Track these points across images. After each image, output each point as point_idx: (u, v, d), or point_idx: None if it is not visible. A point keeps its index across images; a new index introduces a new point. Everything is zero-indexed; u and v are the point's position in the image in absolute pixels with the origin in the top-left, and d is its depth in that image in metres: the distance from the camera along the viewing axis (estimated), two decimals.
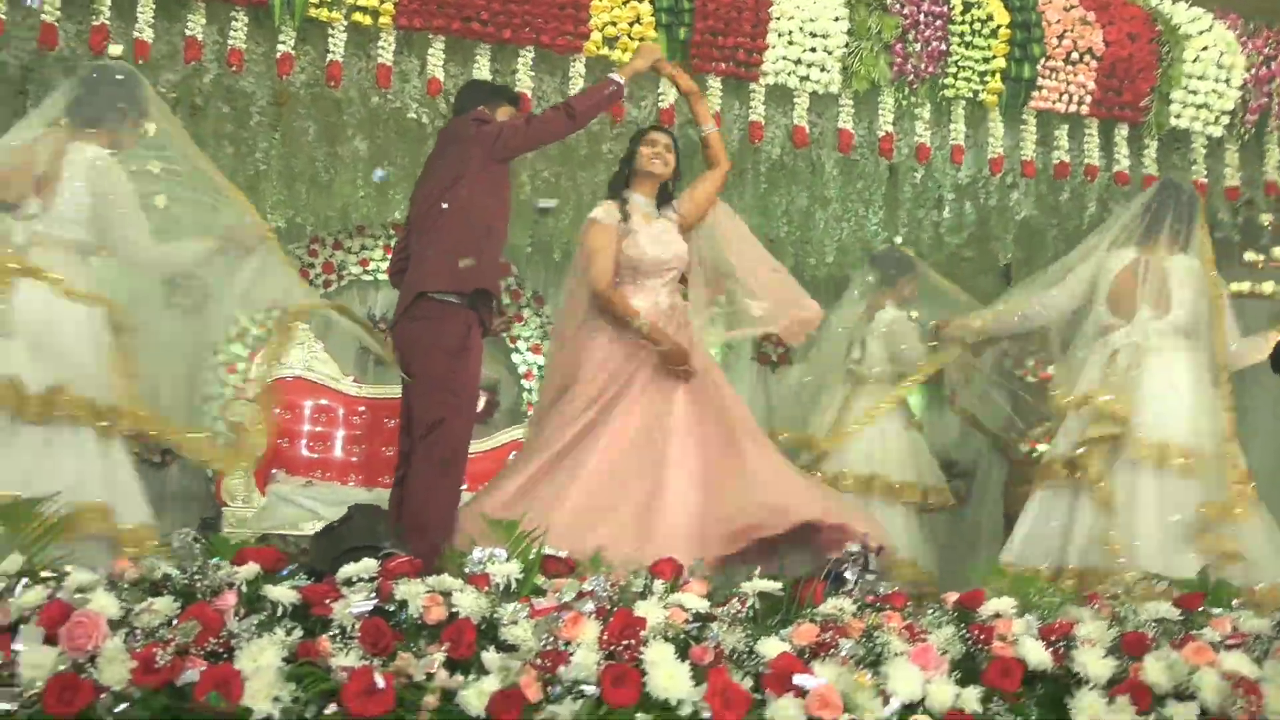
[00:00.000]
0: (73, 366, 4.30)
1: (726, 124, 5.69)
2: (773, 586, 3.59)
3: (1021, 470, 6.38)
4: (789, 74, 5.65)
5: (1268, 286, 5.54)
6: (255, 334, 7.57)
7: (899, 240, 7.08)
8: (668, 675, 3.04)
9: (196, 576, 3.20)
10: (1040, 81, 5.88)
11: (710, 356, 5.21)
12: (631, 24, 5.42)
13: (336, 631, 3.09)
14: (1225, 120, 6.07)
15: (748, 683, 3.13)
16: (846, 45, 5.66)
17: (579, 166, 6.61)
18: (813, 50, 5.63)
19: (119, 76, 4.63)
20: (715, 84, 5.61)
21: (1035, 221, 6.85)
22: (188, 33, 5.11)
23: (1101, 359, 5.35)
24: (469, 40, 5.36)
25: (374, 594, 3.24)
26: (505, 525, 3.70)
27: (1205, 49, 6.00)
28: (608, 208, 5.01)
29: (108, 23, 5.01)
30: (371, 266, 8.20)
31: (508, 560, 3.49)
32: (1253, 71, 6.05)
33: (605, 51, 5.42)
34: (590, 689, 3.00)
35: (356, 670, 2.92)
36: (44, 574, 3.21)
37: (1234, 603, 4.04)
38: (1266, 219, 5.78)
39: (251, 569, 3.26)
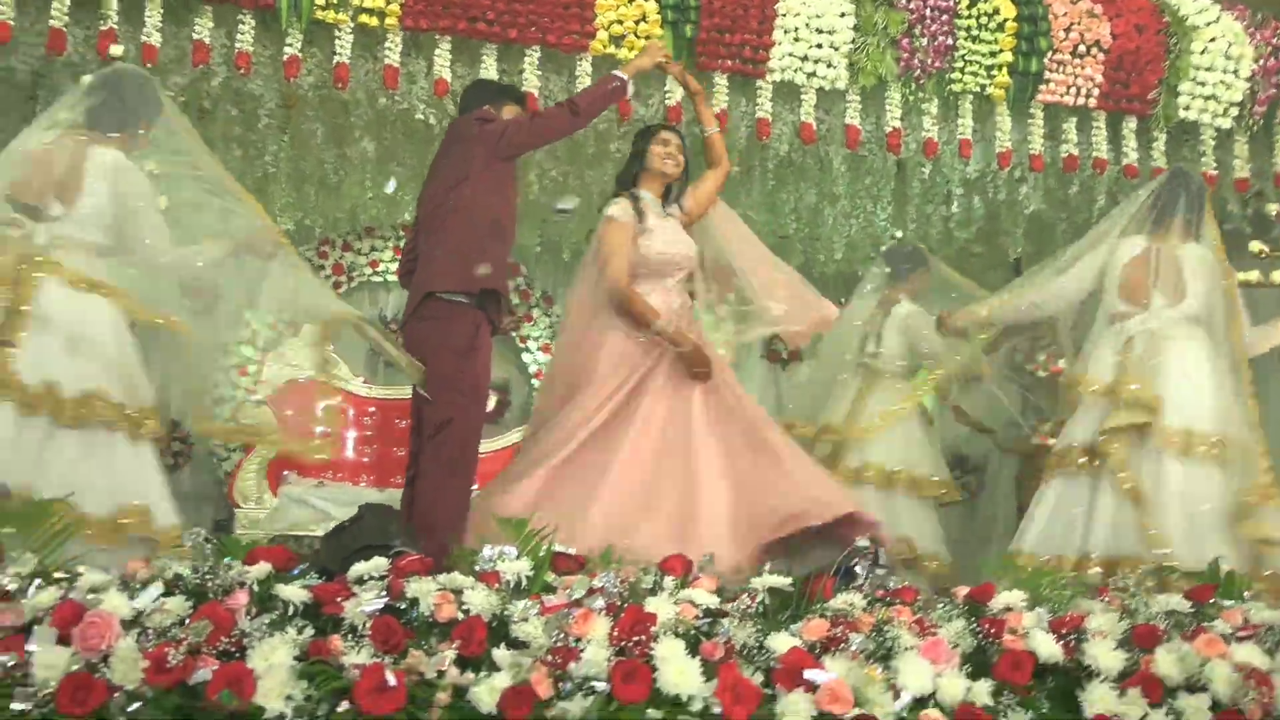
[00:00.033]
0: (105, 368, 4.33)
1: (733, 121, 5.69)
2: (783, 582, 3.59)
3: (1032, 464, 6.37)
4: (796, 70, 5.65)
5: (1278, 276, 5.52)
6: (266, 336, 7.59)
7: (899, 235, 7.08)
8: (678, 671, 3.05)
9: (208, 576, 3.21)
10: (1048, 75, 5.87)
11: (719, 355, 5.19)
12: (637, 22, 5.43)
13: (348, 630, 3.11)
14: (1234, 112, 6.06)
15: (758, 678, 3.14)
16: (853, 41, 5.66)
17: (586, 165, 6.61)
18: (819, 46, 5.64)
19: (135, 80, 4.65)
20: (722, 81, 5.62)
21: (1044, 215, 6.83)
22: (195, 36, 5.13)
23: (1116, 346, 5.30)
24: (475, 40, 5.37)
25: (385, 592, 3.25)
26: (515, 523, 3.71)
27: (1213, 40, 5.98)
28: (623, 206, 4.93)
29: (115, 27, 5.03)
30: (381, 268, 8.21)
31: (518, 558, 3.49)
32: (1261, 63, 6.04)
33: (611, 50, 5.42)
34: (601, 685, 3.01)
35: (368, 668, 2.93)
36: (57, 575, 3.23)
37: (1245, 594, 4.03)
38: (1274, 209, 5.75)
39: (263, 568, 3.28)
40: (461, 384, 4.61)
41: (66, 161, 4.41)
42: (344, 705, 2.88)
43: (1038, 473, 5.67)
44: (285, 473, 7.09)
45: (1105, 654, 3.42)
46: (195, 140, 4.81)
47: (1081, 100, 5.93)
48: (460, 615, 3.18)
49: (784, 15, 5.59)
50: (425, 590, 3.23)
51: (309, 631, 3.06)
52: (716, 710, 3.02)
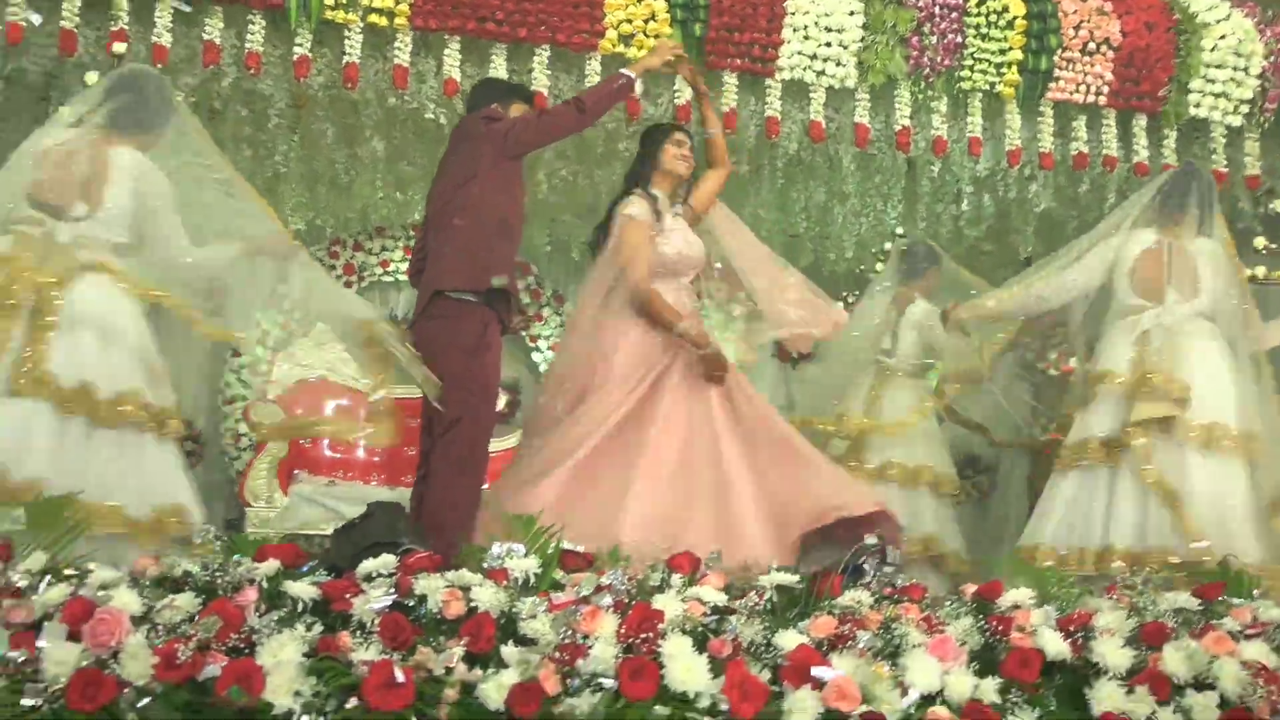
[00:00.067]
0: (135, 367, 4.35)
1: (743, 120, 5.69)
2: (790, 579, 3.59)
3: (1044, 463, 6.36)
4: (805, 69, 5.65)
5: None
6: (276, 335, 7.61)
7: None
8: (686, 668, 3.05)
9: (218, 573, 3.22)
10: (1057, 73, 5.86)
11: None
12: (647, 21, 5.44)
13: (356, 627, 3.12)
14: (1244, 109, 6.04)
15: (766, 675, 3.14)
16: (862, 39, 5.66)
17: (595, 164, 6.61)
18: (828, 45, 5.64)
19: (152, 82, 4.66)
20: (731, 80, 5.62)
21: (1055, 213, 6.81)
22: (205, 36, 5.14)
23: (1131, 340, 5.28)
24: (485, 40, 5.38)
25: (393, 589, 3.26)
26: (525, 520, 3.72)
27: (1223, 37, 5.97)
28: (643, 205, 4.87)
29: (126, 28, 5.05)
30: (392, 268, 8.21)
31: (526, 555, 3.50)
32: (1271, 59, 6.02)
33: (621, 49, 5.43)
34: (608, 682, 3.02)
35: (376, 664, 2.93)
36: (67, 572, 3.24)
37: (1254, 592, 4.03)
38: None
39: (272, 565, 3.30)
40: (471, 383, 4.61)
41: (88, 161, 4.42)
42: (352, 701, 2.88)
43: (1049, 472, 5.66)
44: (296, 472, 7.10)
45: (1113, 651, 3.42)
46: (207, 141, 4.83)
47: (1091, 98, 5.92)
48: (468, 612, 3.19)
49: (793, 14, 5.59)
50: (433, 587, 3.24)
51: (318, 628, 3.07)
52: (724, 707, 3.02)
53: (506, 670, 3.01)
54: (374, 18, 5.22)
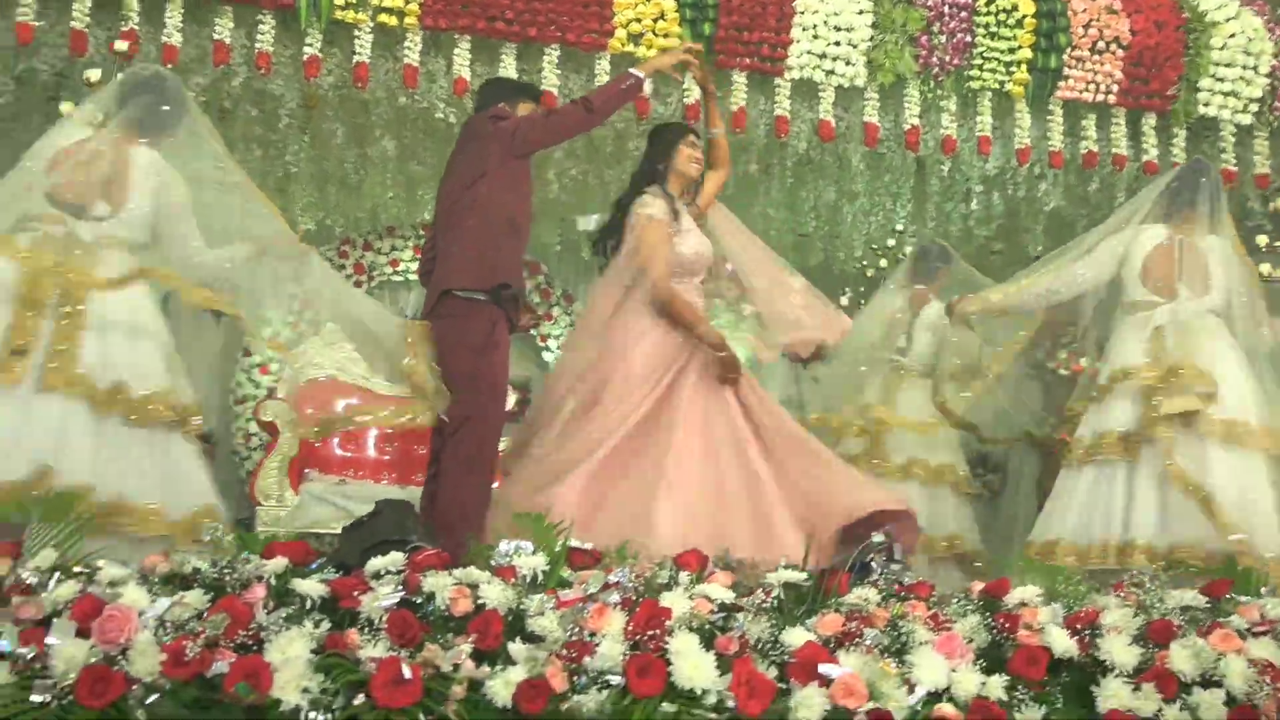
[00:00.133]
0: (162, 366, 4.37)
1: (752, 119, 5.71)
2: (798, 577, 3.59)
3: (1053, 462, 6.35)
4: (814, 68, 5.67)
5: None
6: (286, 335, 7.62)
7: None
8: (693, 665, 3.05)
9: (226, 570, 3.24)
10: (1067, 71, 5.87)
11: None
12: (656, 20, 5.46)
13: (365, 624, 3.12)
14: (1254, 108, 6.05)
15: (773, 672, 3.14)
16: (871, 39, 5.67)
17: (605, 164, 6.63)
18: (837, 44, 5.65)
19: (168, 82, 4.67)
20: (740, 79, 5.63)
21: (1064, 212, 6.82)
22: (216, 37, 5.18)
23: (1143, 335, 5.26)
24: (494, 39, 5.40)
25: (401, 587, 3.26)
26: (534, 518, 3.73)
27: (1233, 36, 5.98)
28: (660, 204, 4.83)
29: (137, 28, 5.07)
30: (402, 267, 8.22)
31: (534, 553, 3.51)
32: None
33: (630, 48, 5.45)
34: (616, 679, 3.02)
35: (384, 661, 2.93)
36: (76, 569, 3.26)
37: (1261, 590, 4.02)
38: None
39: (280, 563, 3.30)
40: (479, 381, 4.62)
41: (109, 161, 4.43)
42: (360, 698, 2.89)
43: (1058, 471, 5.64)
44: (306, 470, 7.11)
45: (1120, 649, 3.40)
46: (218, 142, 4.84)
47: (1101, 96, 5.92)
48: (476, 609, 3.19)
49: (802, 13, 5.60)
50: (441, 584, 3.24)
51: (326, 625, 3.07)
52: (731, 704, 3.02)
53: (514, 667, 3.01)
54: (384, 17, 5.24)
